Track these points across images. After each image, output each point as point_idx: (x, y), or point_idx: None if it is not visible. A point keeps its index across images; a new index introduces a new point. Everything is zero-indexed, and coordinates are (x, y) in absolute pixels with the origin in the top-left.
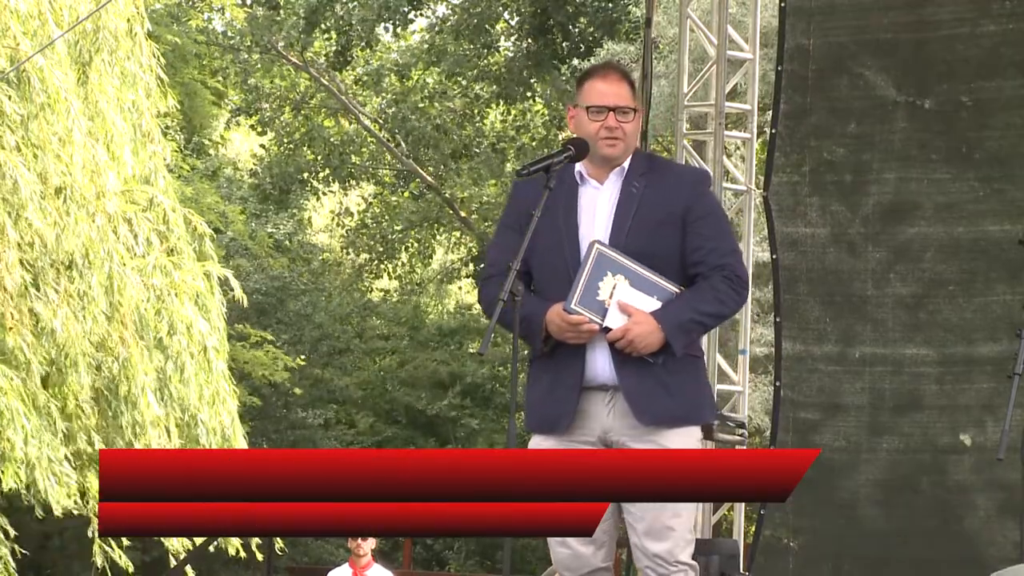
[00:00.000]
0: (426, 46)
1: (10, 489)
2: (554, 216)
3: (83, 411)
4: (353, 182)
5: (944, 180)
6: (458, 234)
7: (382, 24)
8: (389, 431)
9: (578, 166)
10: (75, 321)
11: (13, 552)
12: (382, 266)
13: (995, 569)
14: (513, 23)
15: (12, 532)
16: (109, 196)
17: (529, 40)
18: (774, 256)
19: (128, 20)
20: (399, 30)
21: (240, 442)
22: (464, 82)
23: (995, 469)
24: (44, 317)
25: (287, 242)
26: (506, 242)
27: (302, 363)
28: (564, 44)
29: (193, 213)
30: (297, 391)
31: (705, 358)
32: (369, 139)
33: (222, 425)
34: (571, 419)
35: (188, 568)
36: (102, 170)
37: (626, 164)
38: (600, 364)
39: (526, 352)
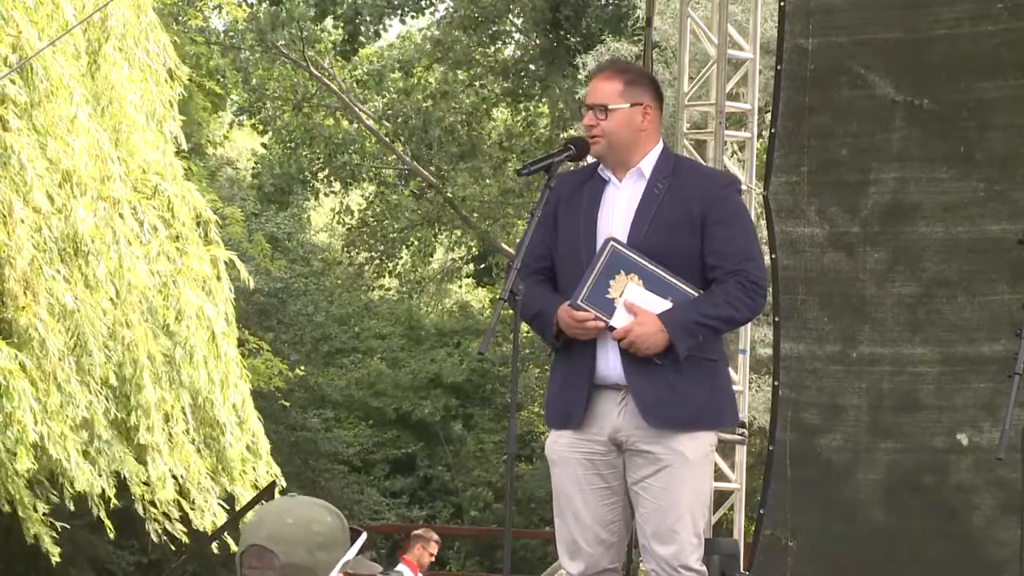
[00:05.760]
0: (428, 45)
1: (28, 470)
2: (577, 215)
3: (105, 390)
4: (354, 182)
5: (944, 180)
6: (459, 233)
7: (392, 14)
8: (389, 432)
9: (601, 165)
10: (88, 303)
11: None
12: (383, 266)
13: (996, 569)
14: (519, 23)
15: None
16: (114, 180)
17: (537, 35)
18: (773, 256)
19: (135, 9)
20: (408, 19)
21: (254, 423)
22: (468, 78)
23: (996, 469)
24: (58, 297)
25: (287, 242)
26: (534, 238)
27: (301, 373)
28: (573, 40)
29: (198, 200)
30: (285, 403)
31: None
32: (371, 138)
33: (235, 407)
34: (582, 416)
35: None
36: (107, 156)
37: (648, 164)
38: (612, 363)
39: (527, 351)
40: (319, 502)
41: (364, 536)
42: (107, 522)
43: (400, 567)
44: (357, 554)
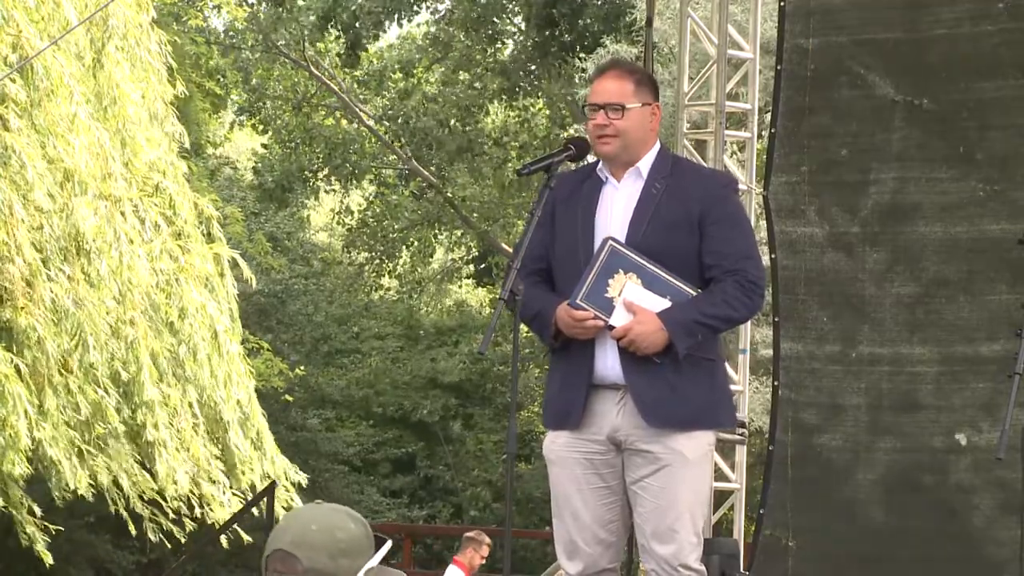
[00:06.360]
0: (428, 42)
1: (21, 475)
2: (575, 214)
3: (106, 392)
4: (354, 181)
5: (944, 180)
6: (459, 233)
7: (388, 19)
8: (389, 432)
9: (600, 164)
10: (90, 301)
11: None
12: (383, 266)
13: (995, 568)
14: (517, 21)
15: None
16: (115, 178)
17: (534, 35)
18: (773, 256)
19: (135, 8)
20: (404, 21)
21: (259, 420)
22: (468, 76)
23: (995, 469)
24: (58, 296)
25: (287, 241)
26: (533, 238)
27: (301, 373)
28: (568, 39)
29: (199, 197)
30: (288, 399)
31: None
32: (371, 138)
33: (240, 404)
34: (580, 416)
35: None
36: (108, 154)
37: (646, 163)
38: (610, 362)
39: (527, 351)
40: (344, 509)
41: (389, 544)
42: (127, 518)
43: (452, 568)
44: (381, 562)
